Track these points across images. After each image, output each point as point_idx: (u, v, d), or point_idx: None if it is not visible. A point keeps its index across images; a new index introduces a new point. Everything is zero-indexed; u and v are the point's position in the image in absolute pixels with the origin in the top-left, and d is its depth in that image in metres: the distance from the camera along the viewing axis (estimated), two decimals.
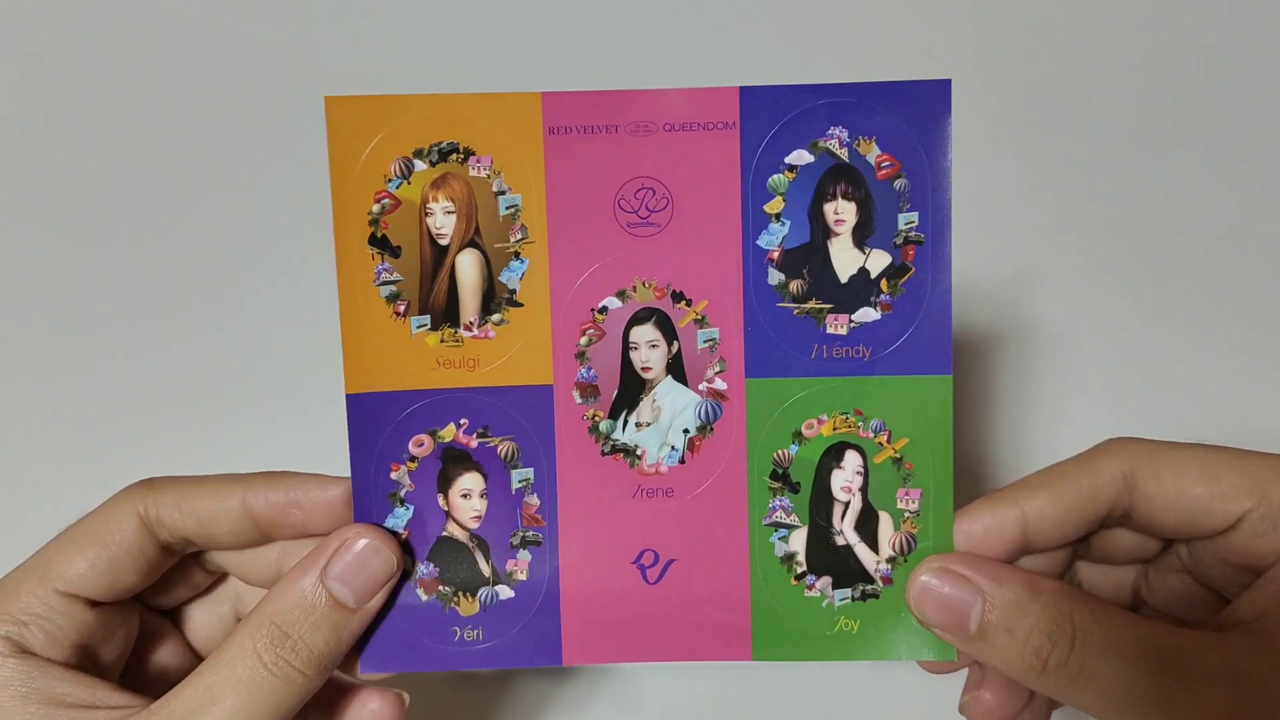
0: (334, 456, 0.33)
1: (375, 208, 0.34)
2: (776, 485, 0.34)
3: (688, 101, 0.34)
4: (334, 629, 0.27)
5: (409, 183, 0.34)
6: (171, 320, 0.52)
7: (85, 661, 0.26)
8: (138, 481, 0.29)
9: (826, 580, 0.34)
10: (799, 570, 0.34)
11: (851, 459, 0.34)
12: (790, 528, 0.34)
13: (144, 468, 0.32)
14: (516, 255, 0.34)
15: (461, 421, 0.34)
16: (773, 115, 0.34)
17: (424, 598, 0.32)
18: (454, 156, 0.34)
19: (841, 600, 0.34)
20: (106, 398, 0.50)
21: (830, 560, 0.34)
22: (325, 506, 0.30)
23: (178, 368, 0.51)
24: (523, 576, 0.33)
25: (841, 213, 0.34)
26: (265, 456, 0.34)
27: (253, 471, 0.30)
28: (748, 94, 0.34)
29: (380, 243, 0.34)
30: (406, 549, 0.32)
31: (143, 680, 0.29)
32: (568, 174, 0.34)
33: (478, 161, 0.34)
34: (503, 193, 0.34)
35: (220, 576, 0.31)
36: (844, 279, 0.34)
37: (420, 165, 0.34)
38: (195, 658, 0.30)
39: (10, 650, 0.25)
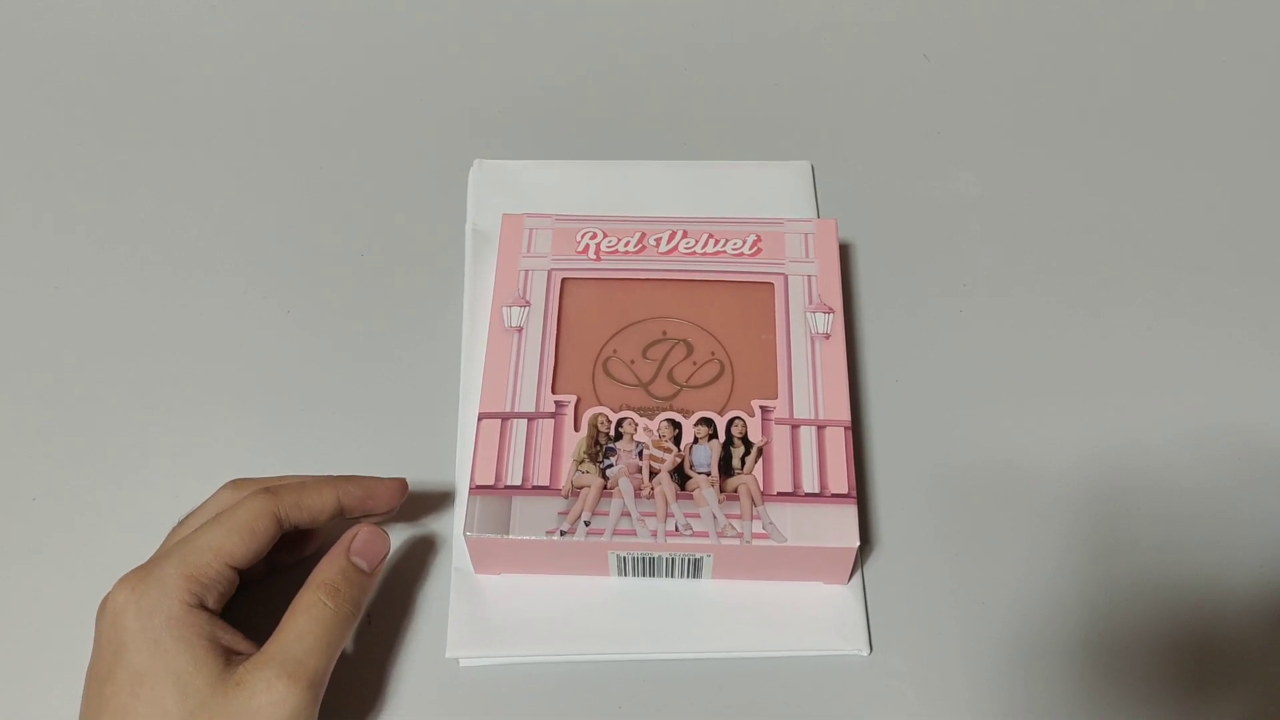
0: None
1: None
2: None
3: None
4: (360, 585, 0.40)
5: None
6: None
7: (217, 611, 0.39)
8: (263, 489, 0.40)
9: None
10: None
11: None
12: None
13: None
14: None
15: None
16: None
17: None
18: None
19: None
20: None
21: None
22: (387, 497, 0.43)
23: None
24: None
25: None
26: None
27: (328, 475, 0.43)
28: None
29: None
30: None
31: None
32: None
33: None
34: None
35: None
36: None
37: None
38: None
39: (195, 604, 0.37)
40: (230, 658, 0.37)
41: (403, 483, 0.44)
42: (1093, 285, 0.54)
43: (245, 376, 0.51)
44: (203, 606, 0.37)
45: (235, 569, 0.39)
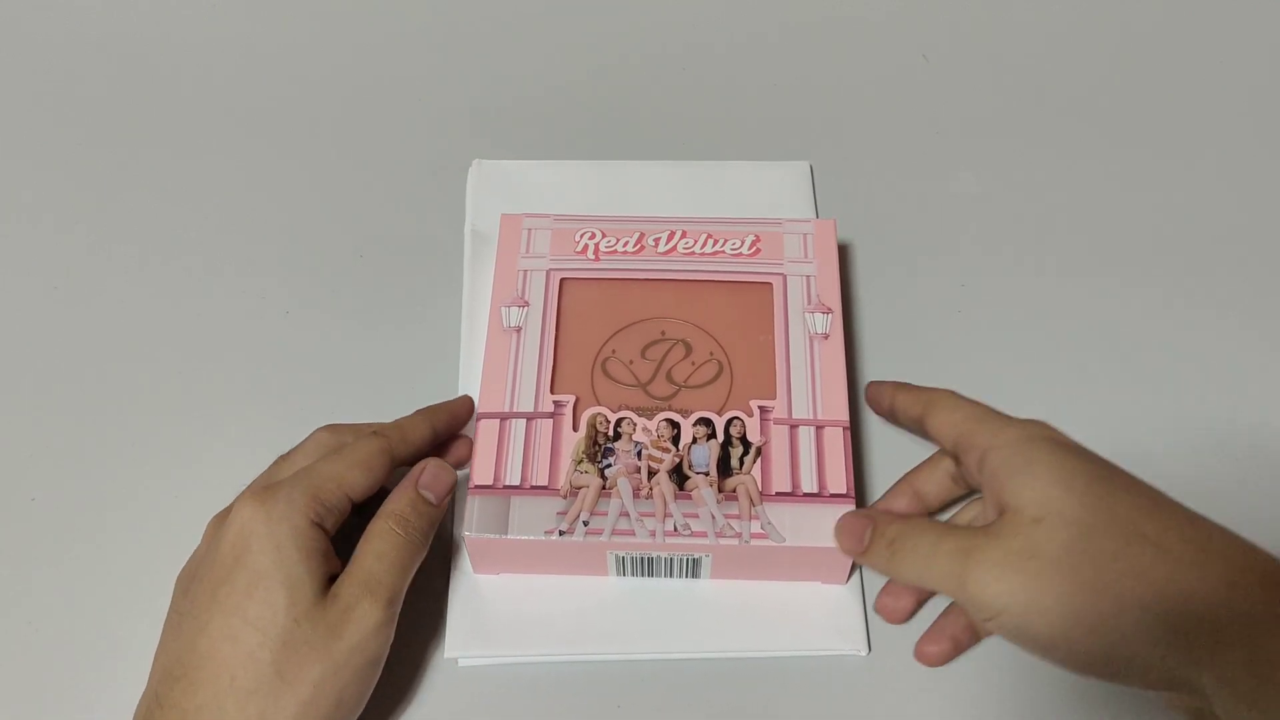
0: None
1: None
2: None
3: None
4: (428, 516, 0.42)
5: None
6: None
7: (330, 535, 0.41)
8: (372, 432, 0.43)
9: None
10: None
11: None
12: None
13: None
14: None
15: None
16: None
17: None
18: None
19: None
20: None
21: None
22: (465, 416, 0.46)
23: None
24: None
25: None
26: None
27: (422, 407, 0.46)
28: None
29: None
30: None
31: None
32: None
33: None
34: None
35: None
36: None
37: None
38: None
39: (317, 522, 0.39)
40: (333, 578, 0.39)
41: (469, 399, 0.47)
42: (1092, 285, 0.54)
43: (243, 376, 0.51)
44: (321, 526, 0.39)
45: (352, 501, 0.41)
